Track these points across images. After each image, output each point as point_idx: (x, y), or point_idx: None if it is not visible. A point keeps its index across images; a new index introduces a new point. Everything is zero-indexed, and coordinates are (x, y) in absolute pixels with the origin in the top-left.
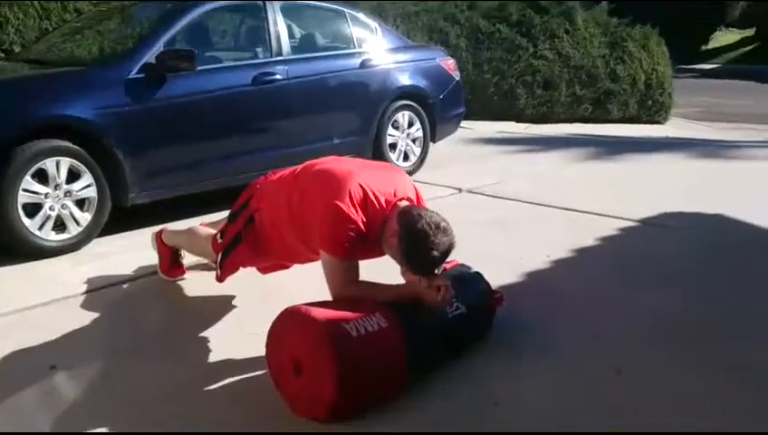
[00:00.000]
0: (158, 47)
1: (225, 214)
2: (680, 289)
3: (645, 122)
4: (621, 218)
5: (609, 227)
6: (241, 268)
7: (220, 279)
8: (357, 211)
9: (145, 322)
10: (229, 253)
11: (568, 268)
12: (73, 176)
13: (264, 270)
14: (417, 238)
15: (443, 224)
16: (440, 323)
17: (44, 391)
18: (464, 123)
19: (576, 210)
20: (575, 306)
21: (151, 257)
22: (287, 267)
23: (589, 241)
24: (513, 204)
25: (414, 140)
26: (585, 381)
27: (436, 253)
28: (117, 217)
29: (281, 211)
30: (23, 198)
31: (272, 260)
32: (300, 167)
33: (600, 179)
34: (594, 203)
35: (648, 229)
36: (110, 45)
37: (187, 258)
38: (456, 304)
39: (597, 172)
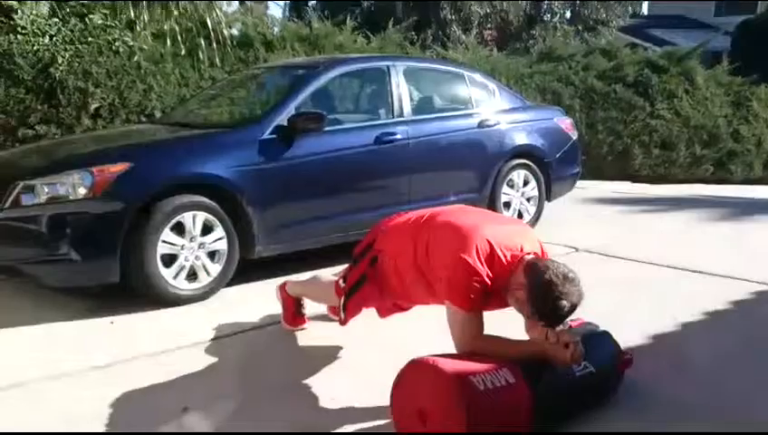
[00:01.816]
0: (290, 110)
1: (344, 267)
2: None
3: None
4: (754, 282)
5: (742, 291)
6: (363, 313)
7: (344, 322)
8: (483, 265)
9: (269, 369)
10: (353, 294)
11: (698, 332)
12: (206, 229)
13: (383, 313)
14: (546, 288)
15: (570, 274)
16: (567, 381)
17: (177, 431)
18: (579, 183)
19: (703, 272)
20: (706, 373)
21: (274, 307)
22: (406, 309)
23: (719, 304)
24: (633, 264)
25: (528, 199)
26: None
27: (564, 302)
28: (244, 268)
29: (405, 256)
30: (162, 248)
31: (392, 301)
32: (426, 213)
33: (727, 241)
34: (722, 265)
35: None
36: (245, 110)
37: (309, 309)
38: (584, 363)
39: (723, 234)
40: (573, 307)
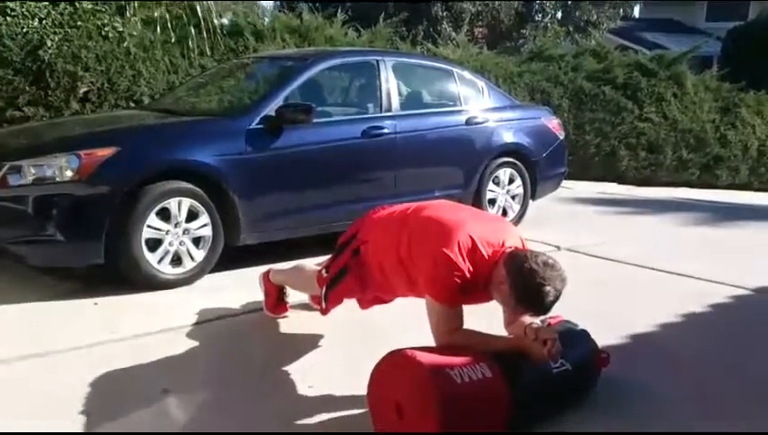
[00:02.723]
0: (278, 101)
1: (327, 257)
2: None
3: (756, 190)
4: (733, 286)
5: (720, 295)
6: (344, 301)
7: (324, 312)
8: (464, 260)
9: (249, 355)
10: (335, 284)
11: (676, 333)
12: (192, 215)
13: (364, 304)
14: (528, 276)
15: (550, 261)
16: (544, 377)
17: (156, 413)
18: (564, 183)
19: (684, 275)
20: (681, 371)
21: (257, 295)
22: (387, 301)
23: (697, 307)
24: (614, 265)
25: (513, 197)
26: None
27: (548, 287)
28: (228, 255)
29: (388, 249)
30: (147, 233)
31: (373, 293)
32: (411, 207)
33: (709, 245)
34: (703, 269)
35: (762, 299)
36: (233, 99)
37: (291, 298)
38: (562, 360)
39: (706, 237)
40: (558, 293)
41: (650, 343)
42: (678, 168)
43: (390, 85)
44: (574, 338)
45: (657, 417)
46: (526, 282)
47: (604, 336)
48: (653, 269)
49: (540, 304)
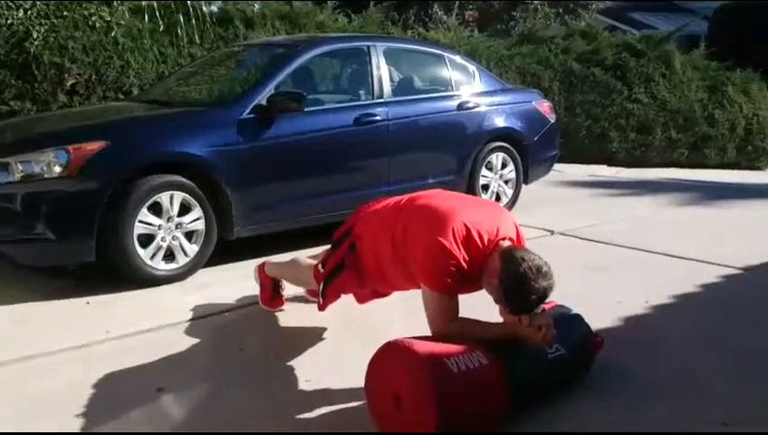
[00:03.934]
0: (270, 90)
1: (323, 248)
2: None
3: (744, 168)
4: (724, 265)
5: (712, 274)
6: (342, 297)
7: (322, 307)
8: (459, 248)
9: (246, 349)
10: (332, 280)
11: (669, 314)
12: (184, 209)
13: (362, 298)
14: (519, 281)
15: (544, 268)
16: (540, 363)
17: (152, 412)
18: (555, 166)
19: (675, 256)
20: (675, 352)
21: (252, 289)
22: (385, 295)
23: (689, 287)
24: (607, 247)
25: (506, 182)
26: (687, 429)
27: (534, 296)
28: (222, 249)
29: (383, 241)
30: (139, 228)
31: (371, 287)
32: (404, 198)
33: (699, 225)
34: (694, 249)
35: (752, 277)
36: (223, 88)
37: (287, 291)
38: (557, 345)
39: (696, 217)
40: (542, 300)
41: (644, 325)
42: (668, 148)
43: (382, 71)
44: (568, 323)
45: (651, 399)
46: (516, 286)
47: (598, 320)
48: (645, 251)
49: (523, 308)
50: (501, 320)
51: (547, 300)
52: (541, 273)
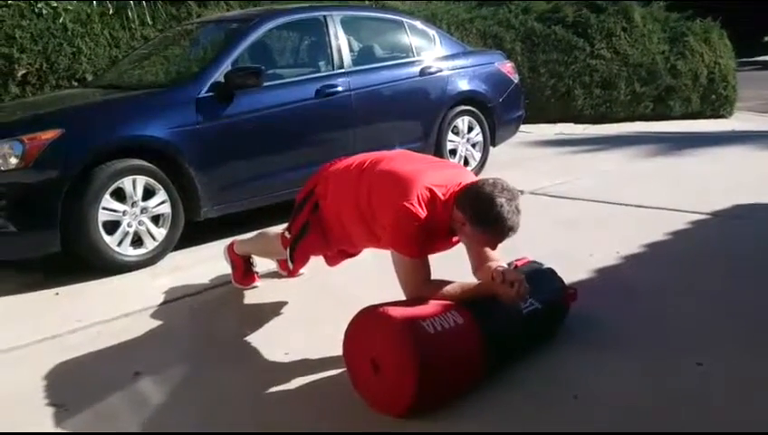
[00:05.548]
0: (226, 66)
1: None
2: (755, 280)
3: (709, 117)
4: (692, 212)
5: (680, 222)
6: (315, 270)
7: (292, 273)
8: (424, 209)
9: (222, 329)
10: (298, 242)
11: (640, 263)
12: (148, 193)
13: (331, 261)
14: (481, 200)
15: (499, 182)
16: (515, 318)
17: (130, 396)
18: (522, 127)
19: (644, 206)
20: (648, 300)
21: (224, 268)
22: (353, 255)
23: (659, 236)
24: (577, 203)
25: (474, 145)
26: (665, 373)
27: (503, 204)
28: (190, 231)
29: (347, 202)
30: (103, 216)
31: (336, 246)
32: (368, 160)
33: (666, 175)
34: (662, 198)
35: (720, 222)
36: (179, 68)
37: (259, 267)
38: (531, 300)
39: (663, 168)
40: (515, 210)
41: (615, 275)
42: (632, 102)
43: (341, 41)
44: (541, 277)
45: (625, 346)
46: (481, 204)
47: (571, 273)
48: (615, 204)
49: (499, 223)
50: (474, 280)
51: (520, 257)
52: (496, 186)
